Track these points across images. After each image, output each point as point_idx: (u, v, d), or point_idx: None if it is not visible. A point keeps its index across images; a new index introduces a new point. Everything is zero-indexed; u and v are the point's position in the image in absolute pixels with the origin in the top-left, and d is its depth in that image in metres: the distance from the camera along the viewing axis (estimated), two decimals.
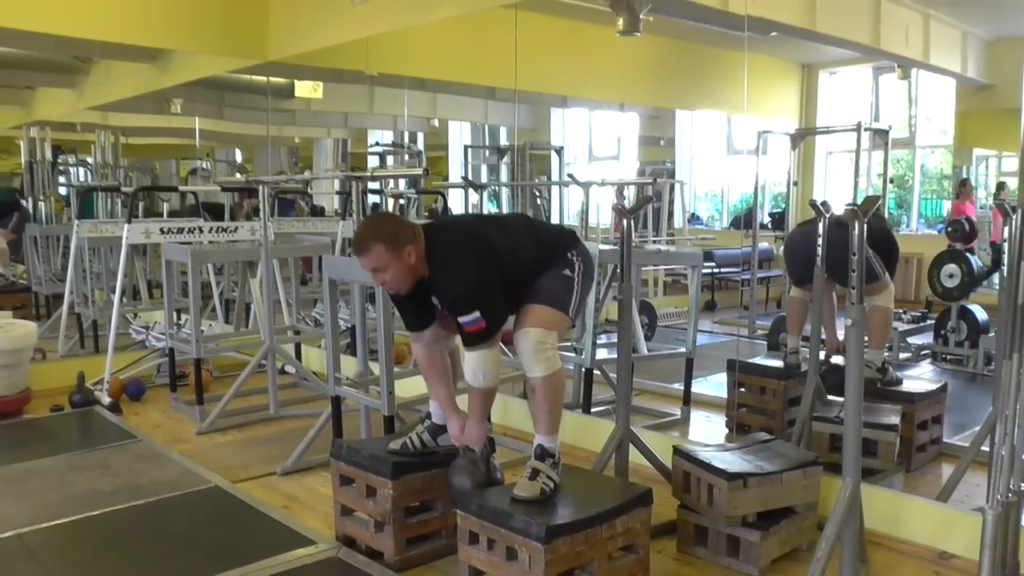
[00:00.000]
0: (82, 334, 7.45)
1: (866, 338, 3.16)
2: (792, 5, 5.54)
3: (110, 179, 10.36)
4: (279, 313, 6.22)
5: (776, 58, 7.36)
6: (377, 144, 9.94)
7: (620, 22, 5.70)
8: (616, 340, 4.64)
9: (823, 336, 4.62)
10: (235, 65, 7.51)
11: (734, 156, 8.56)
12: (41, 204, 9.76)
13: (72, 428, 5.63)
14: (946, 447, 4.72)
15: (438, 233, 3.28)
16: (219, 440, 5.28)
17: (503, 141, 9.28)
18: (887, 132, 6.51)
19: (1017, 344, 2.76)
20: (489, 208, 8.56)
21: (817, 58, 7.34)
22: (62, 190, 10.97)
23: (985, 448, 3.72)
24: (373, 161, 9.86)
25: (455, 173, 9.39)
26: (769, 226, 7.71)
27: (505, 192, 8.95)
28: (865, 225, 2.87)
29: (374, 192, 8.98)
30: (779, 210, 7.69)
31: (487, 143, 9.53)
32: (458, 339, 3.50)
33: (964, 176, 6.99)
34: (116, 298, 6.27)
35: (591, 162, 9.32)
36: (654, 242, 7.48)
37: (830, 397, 4.50)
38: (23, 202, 9.83)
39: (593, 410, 5.26)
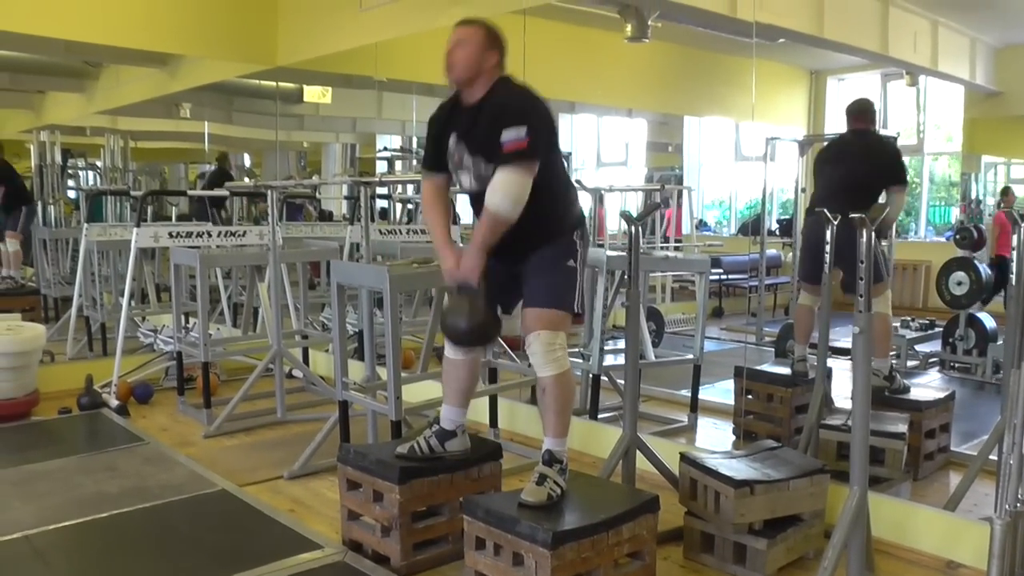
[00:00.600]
0: (90, 337, 7.47)
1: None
2: (800, 12, 5.54)
3: (119, 183, 10.41)
4: (287, 317, 6.23)
5: (784, 64, 7.37)
6: (385, 149, 9.96)
7: (628, 28, 5.72)
8: (623, 346, 4.64)
9: (831, 344, 4.61)
10: (244, 70, 7.53)
11: (742, 162, 8.57)
12: (51, 208, 9.79)
13: (80, 430, 5.64)
14: (954, 456, 4.70)
15: (516, 79, 3.32)
16: (226, 444, 5.28)
17: None
18: (895, 139, 6.50)
19: None
20: None
21: (825, 64, 7.35)
22: (71, 194, 11.01)
23: (993, 457, 3.70)
24: (382, 166, 9.88)
25: None
26: (777, 232, 7.71)
27: None
28: (873, 233, 2.87)
29: (382, 197, 9.01)
30: (787, 217, 7.69)
31: None
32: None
33: (1005, 185, 6.97)
34: (124, 301, 6.29)
35: (599, 168, 9.33)
36: (661, 248, 7.49)
37: (837, 405, 4.50)
38: (32, 200, 9.84)
39: (600, 416, 5.26)
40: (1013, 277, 3.89)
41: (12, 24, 5.83)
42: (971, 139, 7.14)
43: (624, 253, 5.04)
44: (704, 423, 5.48)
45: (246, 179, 10.59)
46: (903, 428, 4.20)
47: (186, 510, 4.12)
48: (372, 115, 9.20)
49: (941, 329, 6.40)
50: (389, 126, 9.72)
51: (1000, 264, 6.22)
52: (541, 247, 3.29)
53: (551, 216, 3.30)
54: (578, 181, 7.61)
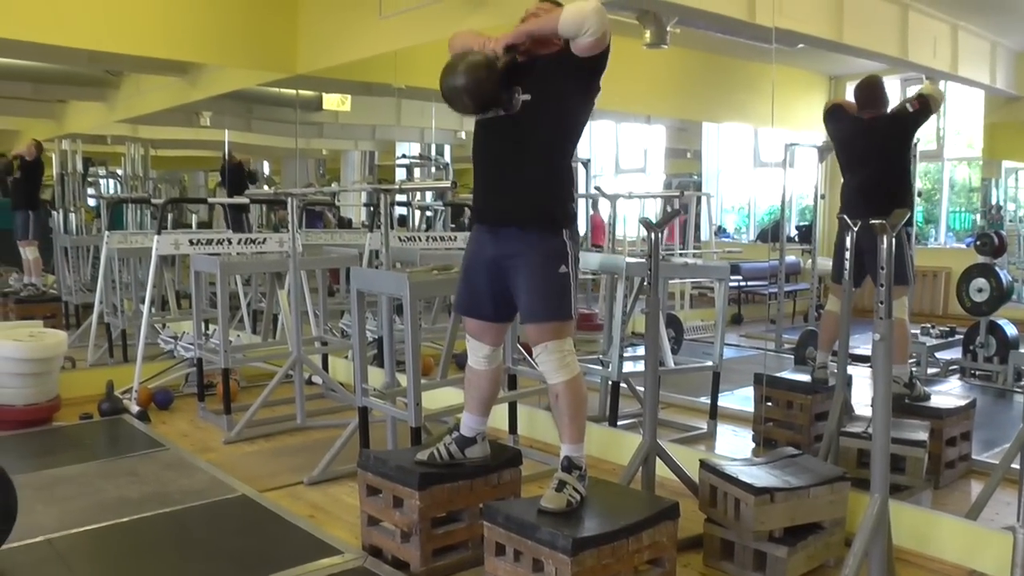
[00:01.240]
0: (111, 343, 7.52)
1: None
2: (819, 17, 5.52)
3: (140, 191, 10.45)
4: (306, 324, 6.25)
5: (803, 70, 7.35)
6: (404, 156, 9.98)
7: (647, 34, 5.71)
8: (642, 353, 4.64)
9: (852, 351, 4.59)
10: (264, 78, 7.57)
11: (761, 168, 8.55)
12: (72, 215, 9.84)
13: (101, 436, 5.67)
14: (975, 464, 4.67)
15: None
16: (246, 449, 5.31)
17: None
18: (915, 144, 6.48)
19: None
20: None
21: (844, 70, 7.32)
22: (92, 202, 11.07)
23: (1015, 466, 3.69)
24: (400, 174, 9.91)
25: None
26: (796, 239, 7.68)
27: None
28: (893, 240, 2.86)
29: (401, 204, 9.03)
30: (806, 223, 7.67)
31: None
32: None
33: None
34: (145, 308, 6.33)
35: (617, 174, 9.33)
36: (680, 255, 7.48)
37: (858, 412, 4.48)
38: (46, 206, 9.89)
39: (619, 423, 5.26)
40: None
41: (36, 35, 5.87)
42: (991, 144, 7.10)
43: (643, 259, 5.04)
44: (723, 430, 5.47)
45: (266, 187, 10.61)
46: (924, 436, 4.18)
47: (206, 515, 4.14)
48: (391, 122, 9.23)
49: (962, 336, 6.36)
50: (408, 133, 9.74)
51: None
52: (530, 237, 3.24)
53: (552, 187, 3.28)
54: (597, 187, 7.64)
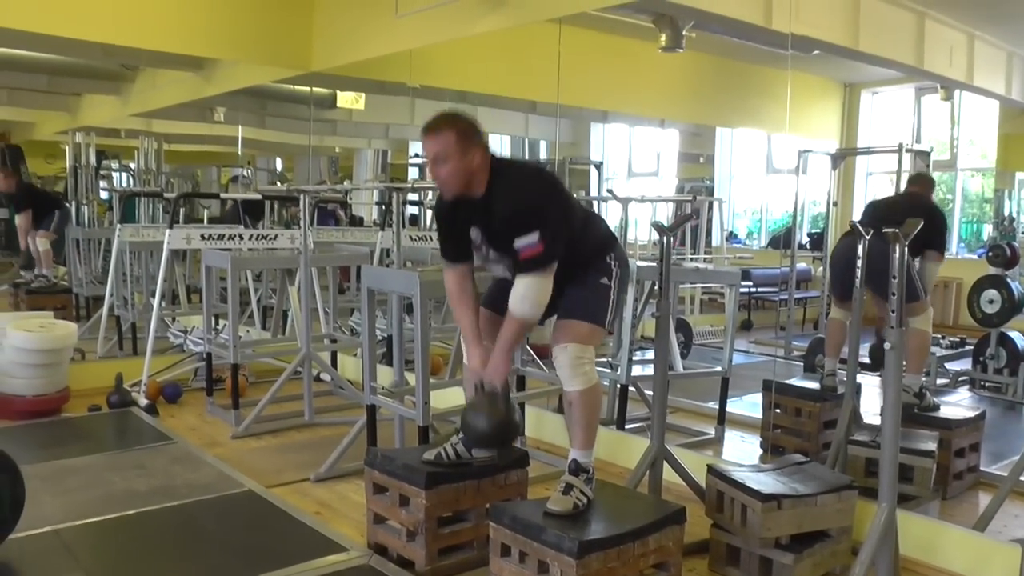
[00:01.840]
0: (121, 336, 7.55)
1: (904, 362, 3.13)
2: (836, 24, 5.51)
3: (152, 185, 10.49)
4: (316, 321, 6.26)
5: (818, 76, 7.33)
6: (417, 156, 9.99)
7: (663, 38, 5.71)
8: (651, 357, 4.63)
9: (861, 360, 4.58)
10: (279, 75, 7.58)
11: (773, 175, 8.53)
12: (84, 208, 9.89)
13: (109, 428, 5.69)
14: (983, 476, 4.66)
15: (508, 160, 3.30)
16: (254, 445, 5.31)
17: (543, 155, 9.29)
18: (928, 154, 6.46)
19: None
20: None
21: (859, 77, 7.31)
22: (104, 194, 11.11)
23: None
24: (413, 173, 9.91)
25: None
26: (808, 246, 7.67)
27: None
28: (906, 248, 2.85)
29: (413, 204, 9.04)
30: (818, 230, 7.65)
31: (527, 157, 9.55)
32: None
33: None
34: (156, 302, 6.35)
35: (630, 178, 9.33)
36: (691, 260, 7.46)
37: (866, 421, 4.47)
38: (66, 204, 9.96)
39: (627, 426, 5.25)
40: None
41: (52, 28, 5.89)
42: (1005, 155, 7.08)
43: (654, 263, 5.04)
44: (731, 436, 5.46)
45: (278, 183, 10.65)
46: (932, 446, 4.16)
47: (213, 510, 4.15)
48: (405, 121, 9.22)
49: (972, 347, 6.34)
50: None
51: None
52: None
53: (579, 261, 3.31)
54: (609, 191, 7.63)
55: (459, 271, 3.42)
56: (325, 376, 6.43)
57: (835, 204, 6.94)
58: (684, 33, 5.69)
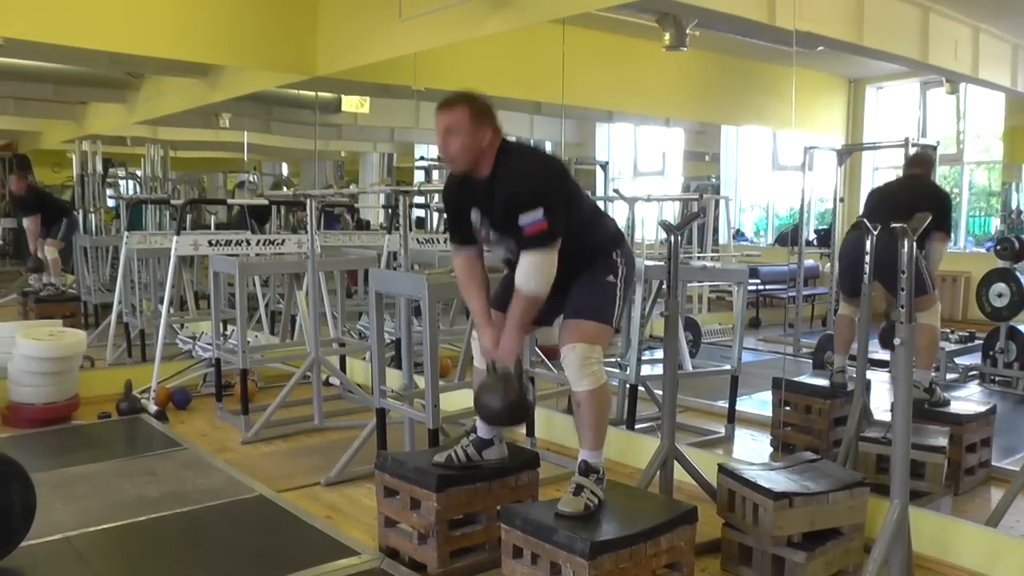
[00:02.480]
0: (130, 343, 7.56)
1: (913, 357, 3.12)
2: (840, 20, 5.50)
3: (159, 192, 10.52)
4: (324, 325, 6.27)
5: (822, 73, 7.31)
6: (423, 159, 10.00)
7: (667, 37, 5.70)
8: (660, 356, 4.62)
9: (870, 356, 4.57)
10: (284, 80, 7.59)
11: (779, 172, 8.51)
12: (91, 216, 9.92)
13: (119, 435, 5.70)
14: (995, 471, 4.63)
15: (517, 143, 3.33)
16: (264, 450, 5.32)
17: None
18: (935, 148, 6.43)
19: None
20: None
21: (864, 73, 7.28)
22: (111, 202, 11.14)
23: None
24: (419, 175, 9.92)
25: None
26: (815, 243, 7.65)
27: None
28: (915, 243, 2.84)
29: (419, 207, 9.04)
30: (825, 227, 7.63)
31: None
32: None
33: None
34: (164, 308, 6.35)
35: (636, 177, 9.32)
36: (699, 258, 7.45)
37: (877, 417, 4.46)
38: (73, 211, 9.99)
39: (637, 426, 5.24)
40: None
41: (58, 37, 5.91)
42: (1012, 148, 7.05)
43: (662, 262, 5.03)
44: (741, 434, 5.45)
45: (284, 188, 10.67)
46: (943, 442, 4.15)
47: (224, 515, 4.15)
48: (410, 125, 9.24)
49: (981, 341, 6.32)
50: (427, 135, 9.73)
51: None
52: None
53: (586, 254, 3.32)
54: (616, 190, 7.62)
55: (467, 255, 3.45)
56: (334, 380, 6.43)
57: (842, 200, 6.92)
58: (688, 32, 5.68)
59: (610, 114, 8.68)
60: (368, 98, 9.15)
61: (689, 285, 7.32)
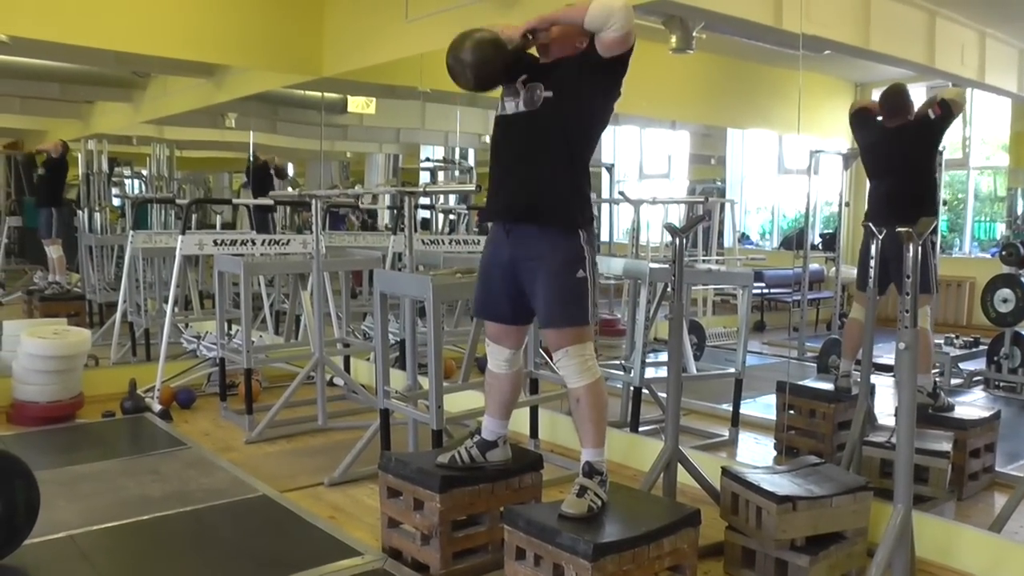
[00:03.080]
0: (134, 342, 7.57)
1: None
2: (847, 23, 5.50)
3: (164, 191, 10.52)
4: (329, 326, 6.27)
5: (828, 76, 7.30)
6: (428, 160, 10.00)
7: (673, 40, 5.70)
8: (664, 359, 4.62)
9: (875, 360, 4.56)
10: (290, 81, 7.60)
11: (785, 175, 8.51)
12: (96, 215, 9.92)
13: (123, 434, 5.72)
14: (999, 476, 4.63)
15: None
16: (267, 450, 5.33)
17: None
18: (941, 153, 6.43)
19: None
20: None
21: (870, 77, 7.27)
22: (117, 201, 11.14)
23: None
24: (424, 177, 9.92)
25: None
26: (820, 247, 7.64)
27: None
28: (919, 249, 2.84)
29: (425, 208, 9.04)
30: (830, 231, 7.63)
31: None
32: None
33: None
34: (168, 307, 6.37)
35: (641, 180, 9.32)
36: (704, 261, 7.45)
37: (881, 422, 4.45)
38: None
39: (641, 429, 5.24)
40: None
41: (64, 36, 5.92)
42: (1018, 153, 7.04)
43: (667, 265, 5.03)
44: (745, 438, 5.45)
45: (290, 188, 10.65)
46: (947, 446, 4.15)
47: (227, 515, 4.16)
48: (416, 126, 9.25)
49: (986, 347, 6.31)
50: (432, 136, 9.75)
51: None
52: (547, 237, 3.23)
53: (571, 185, 3.28)
54: (621, 193, 7.62)
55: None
56: (338, 381, 6.44)
57: (847, 204, 6.91)
58: (694, 35, 5.68)
59: (616, 116, 8.64)
60: (374, 99, 9.15)
61: (694, 288, 7.32)
